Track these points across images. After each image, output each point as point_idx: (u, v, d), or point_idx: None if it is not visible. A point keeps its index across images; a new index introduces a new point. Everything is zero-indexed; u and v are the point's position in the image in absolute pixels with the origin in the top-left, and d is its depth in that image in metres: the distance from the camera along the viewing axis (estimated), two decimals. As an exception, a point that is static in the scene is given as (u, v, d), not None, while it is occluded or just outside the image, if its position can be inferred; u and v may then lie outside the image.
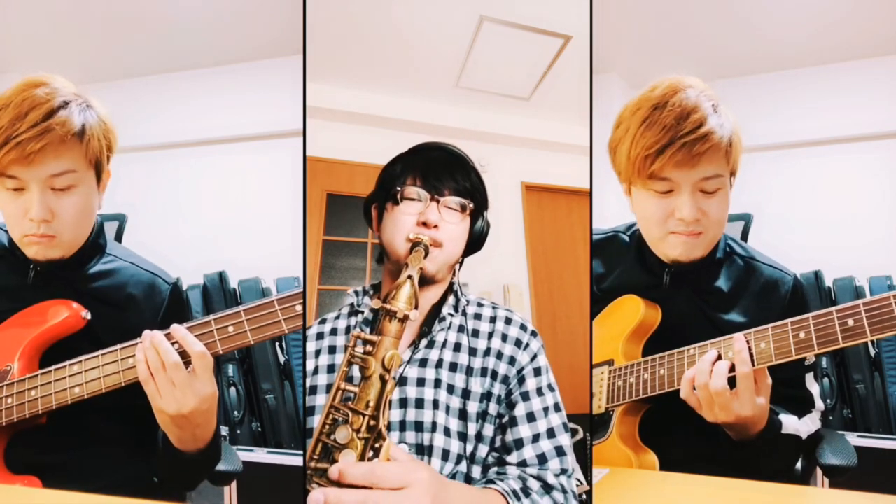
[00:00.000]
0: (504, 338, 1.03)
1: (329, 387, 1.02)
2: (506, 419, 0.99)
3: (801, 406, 1.15)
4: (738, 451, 1.07)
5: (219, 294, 2.55)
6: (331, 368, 1.04)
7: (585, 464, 1.73)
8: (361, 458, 0.78)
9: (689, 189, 1.10)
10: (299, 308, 0.99)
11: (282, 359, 2.33)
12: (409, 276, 0.87)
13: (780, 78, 2.96)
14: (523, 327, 1.05)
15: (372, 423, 0.79)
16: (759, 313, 1.16)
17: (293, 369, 2.31)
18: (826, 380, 2.43)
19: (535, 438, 0.97)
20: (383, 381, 0.81)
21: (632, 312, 1.21)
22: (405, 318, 0.84)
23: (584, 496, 1.39)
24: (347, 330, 1.08)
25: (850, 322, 0.94)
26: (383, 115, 2.90)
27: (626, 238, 1.29)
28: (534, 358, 1.03)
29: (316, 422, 0.87)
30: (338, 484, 0.75)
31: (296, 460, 2.19)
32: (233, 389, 2.33)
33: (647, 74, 1.20)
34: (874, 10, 2.53)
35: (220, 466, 1.21)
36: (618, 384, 1.18)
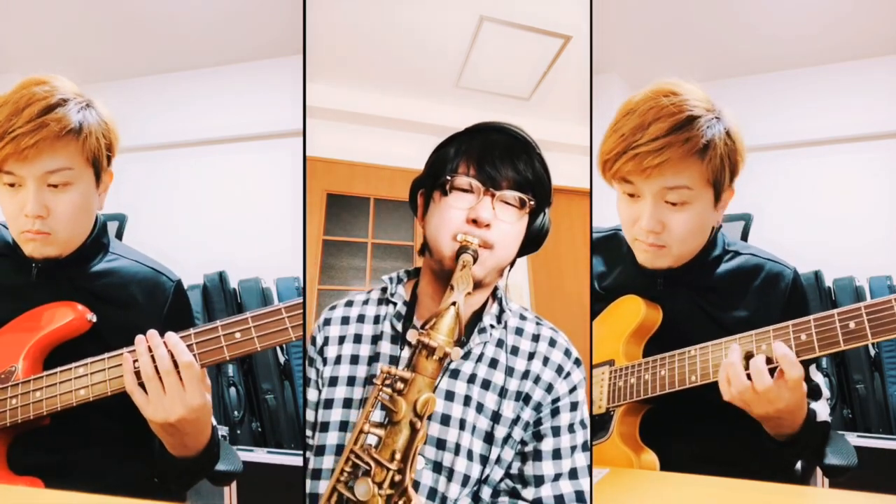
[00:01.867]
0: (545, 361, 0.95)
1: (351, 379, 0.95)
2: (529, 449, 0.92)
3: (812, 395, 1.15)
4: (786, 447, 1.05)
5: (219, 294, 2.55)
6: (354, 359, 0.96)
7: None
8: None
9: (651, 198, 1.10)
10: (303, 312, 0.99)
11: (282, 359, 2.33)
12: (454, 303, 0.77)
13: (780, 78, 2.96)
14: (568, 353, 0.97)
15: (397, 477, 0.70)
16: (761, 308, 1.16)
17: (293, 369, 2.31)
18: (826, 380, 2.43)
19: (557, 478, 0.90)
20: (413, 429, 0.71)
21: (632, 313, 1.21)
22: (445, 357, 0.74)
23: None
24: (377, 320, 0.99)
25: (852, 325, 0.94)
26: (383, 115, 2.90)
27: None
28: (573, 390, 0.95)
29: (327, 461, 0.85)
30: None
31: (296, 460, 2.19)
32: (233, 389, 2.33)
33: (647, 74, 1.20)
34: (874, 10, 2.53)
35: (220, 466, 1.21)
36: (618, 384, 1.18)
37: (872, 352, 2.47)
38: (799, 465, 1.25)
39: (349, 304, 1.03)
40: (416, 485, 0.85)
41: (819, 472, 1.25)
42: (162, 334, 1.14)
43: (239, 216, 2.97)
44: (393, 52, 2.67)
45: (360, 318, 1.00)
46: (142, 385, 0.98)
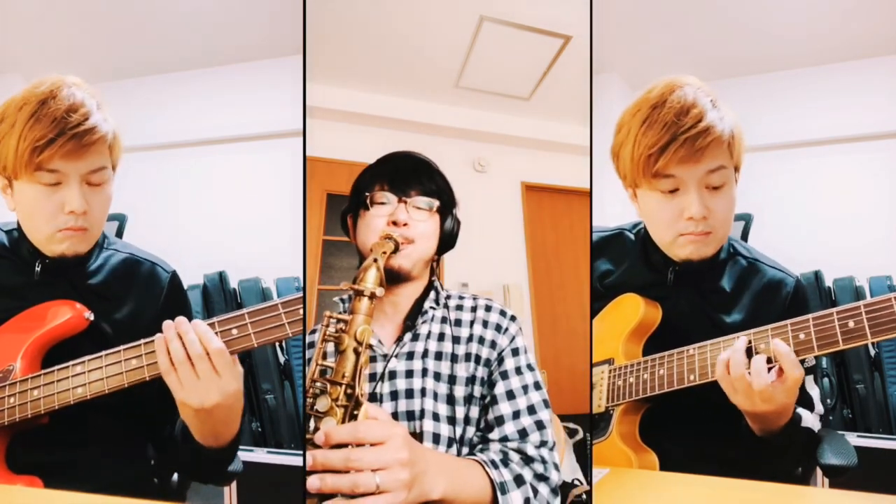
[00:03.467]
0: (485, 324, 1.07)
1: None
2: (487, 399, 1.03)
3: (804, 405, 1.15)
4: (761, 444, 1.07)
5: (219, 294, 2.55)
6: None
7: (585, 464, 1.73)
8: (342, 423, 0.82)
9: (695, 185, 1.10)
10: (302, 312, 0.99)
11: (282, 359, 2.33)
12: (375, 260, 0.92)
13: (780, 78, 2.96)
14: (503, 313, 1.09)
15: (349, 391, 0.84)
16: (760, 314, 1.16)
17: (293, 369, 2.31)
18: (826, 380, 2.43)
19: (516, 415, 1.00)
20: (357, 354, 0.85)
21: (632, 311, 1.21)
22: (373, 295, 0.88)
23: (584, 496, 1.39)
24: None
25: (851, 324, 0.94)
26: (383, 115, 2.90)
27: (632, 236, 1.30)
28: (512, 339, 1.07)
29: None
30: (325, 447, 0.79)
31: (296, 460, 2.19)
32: (233, 389, 2.32)
33: (647, 74, 1.20)
34: (874, 10, 2.53)
35: (221, 466, 1.21)
36: (618, 383, 1.18)
37: (872, 352, 2.47)
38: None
39: (313, 332, 1.14)
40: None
41: (819, 472, 1.24)
42: (159, 326, 1.16)
43: (239, 216, 2.97)
44: (393, 52, 2.68)
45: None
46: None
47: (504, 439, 0.99)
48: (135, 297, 1.17)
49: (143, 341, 1.02)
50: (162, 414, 1.11)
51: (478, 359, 1.05)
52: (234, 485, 2.27)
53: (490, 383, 1.03)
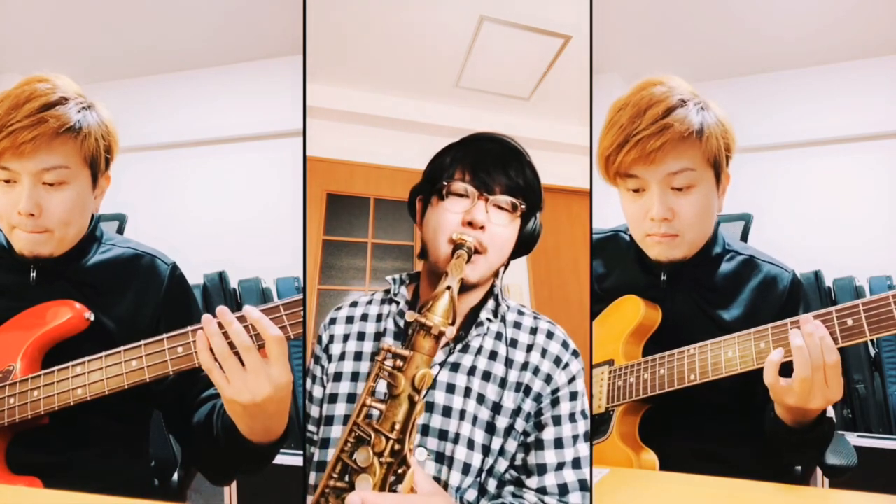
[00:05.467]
0: (543, 353, 0.96)
1: (354, 375, 0.97)
2: (531, 439, 0.93)
3: None
4: (794, 434, 1.03)
5: (219, 294, 2.55)
6: (358, 356, 0.99)
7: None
8: (382, 484, 0.73)
9: (658, 187, 1.11)
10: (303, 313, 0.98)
11: (282, 359, 2.32)
12: (448, 288, 0.81)
13: (780, 78, 2.97)
14: (565, 345, 0.98)
15: (396, 447, 0.74)
16: (758, 309, 1.16)
17: (294, 370, 2.31)
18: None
19: (560, 467, 0.91)
20: (412, 402, 0.76)
21: (632, 312, 1.21)
22: (440, 335, 0.78)
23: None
24: (379, 318, 1.02)
25: (850, 322, 0.94)
26: (383, 115, 2.89)
27: (627, 237, 1.30)
28: (572, 380, 0.96)
29: (336, 431, 0.86)
30: None
31: (296, 460, 2.19)
32: (233, 389, 2.32)
33: (647, 74, 1.20)
34: (874, 10, 2.53)
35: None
36: (618, 384, 1.18)
37: (872, 351, 2.48)
38: (798, 465, 1.25)
39: (354, 304, 1.05)
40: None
41: (819, 472, 1.24)
42: (160, 319, 1.15)
43: (239, 216, 2.98)
44: (393, 52, 2.67)
45: (364, 317, 1.03)
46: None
47: (542, 491, 0.90)
48: (135, 290, 1.16)
49: (143, 342, 1.01)
50: (185, 406, 1.10)
51: (528, 390, 0.94)
52: (234, 485, 2.28)
53: (538, 424, 0.93)
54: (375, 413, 0.77)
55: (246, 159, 3.08)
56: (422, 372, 0.76)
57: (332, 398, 0.97)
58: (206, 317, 0.91)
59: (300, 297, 0.97)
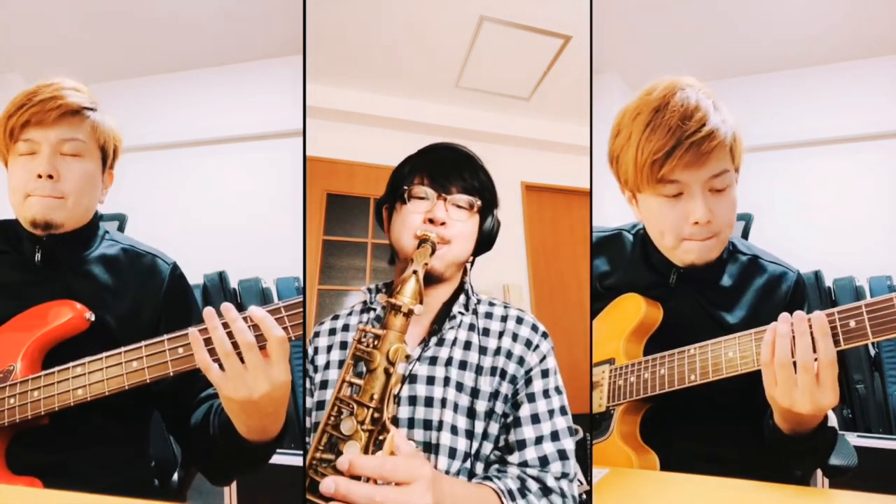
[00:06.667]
0: (514, 337, 1.02)
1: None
2: (510, 419, 0.98)
3: None
4: (785, 444, 1.03)
5: (219, 294, 2.55)
6: (341, 364, 1.03)
7: (585, 463, 1.73)
8: (366, 449, 0.79)
9: (700, 190, 1.09)
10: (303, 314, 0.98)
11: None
12: (415, 272, 0.88)
13: (780, 78, 2.97)
14: (534, 328, 1.04)
15: (376, 415, 0.80)
16: (762, 310, 1.16)
17: (293, 369, 2.31)
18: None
19: (539, 440, 0.96)
20: (388, 375, 0.81)
21: (633, 311, 1.21)
22: (410, 313, 0.85)
23: (584, 496, 1.39)
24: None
25: (852, 323, 0.93)
26: (383, 115, 2.90)
27: (630, 236, 1.29)
28: (543, 359, 1.02)
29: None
30: (346, 475, 0.75)
31: (296, 460, 2.19)
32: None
33: (646, 74, 1.20)
34: (874, 11, 2.53)
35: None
36: (618, 383, 1.18)
37: (872, 352, 2.47)
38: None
39: (335, 317, 1.12)
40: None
41: (819, 472, 1.24)
42: (160, 318, 1.16)
43: (239, 216, 2.98)
44: (393, 52, 2.67)
45: (345, 328, 1.09)
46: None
47: (524, 464, 0.95)
48: (135, 288, 1.17)
49: (143, 343, 1.01)
50: (182, 406, 1.11)
51: (503, 374, 0.99)
52: (234, 485, 2.28)
53: (515, 403, 0.99)
54: (357, 390, 0.83)
55: (246, 159, 3.08)
56: (395, 346, 0.82)
57: (320, 405, 1.02)
58: (208, 310, 0.92)
59: (301, 298, 0.97)
